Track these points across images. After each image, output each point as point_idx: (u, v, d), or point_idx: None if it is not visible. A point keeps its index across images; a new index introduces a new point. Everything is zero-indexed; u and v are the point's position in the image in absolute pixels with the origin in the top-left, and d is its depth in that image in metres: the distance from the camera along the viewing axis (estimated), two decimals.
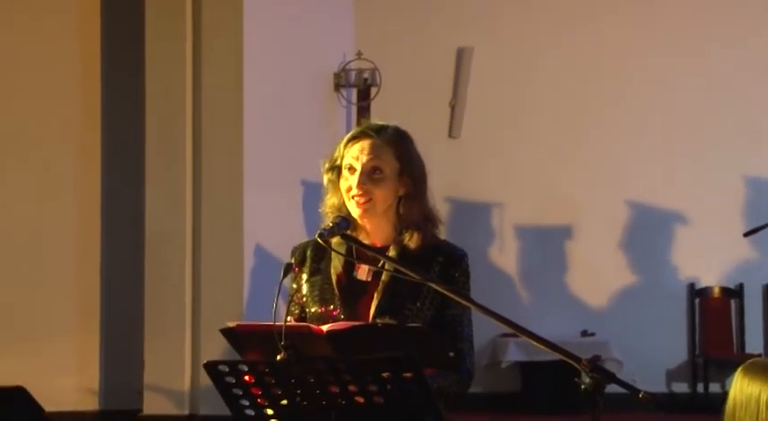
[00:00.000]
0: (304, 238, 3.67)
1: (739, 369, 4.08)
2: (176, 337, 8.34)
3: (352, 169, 3.44)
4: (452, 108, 9.88)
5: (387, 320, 3.37)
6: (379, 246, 3.48)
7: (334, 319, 3.37)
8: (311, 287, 3.48)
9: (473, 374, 3.47)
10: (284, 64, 8.56)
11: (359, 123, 8.92)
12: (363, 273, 3.48)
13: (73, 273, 8.93)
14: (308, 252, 3.53)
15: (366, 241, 3.47)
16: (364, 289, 3.46)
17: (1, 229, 8.88)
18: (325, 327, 3.14)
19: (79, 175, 9.00)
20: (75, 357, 8.87)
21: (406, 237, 3.47)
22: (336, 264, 3.48)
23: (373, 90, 9.00)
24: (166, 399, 8.36)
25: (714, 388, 9.38)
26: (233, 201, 8.34)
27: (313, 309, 3.46)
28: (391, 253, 3.45)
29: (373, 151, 3.44)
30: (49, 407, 3.23)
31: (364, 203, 3.43)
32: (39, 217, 8.90)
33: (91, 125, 9.00)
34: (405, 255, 3.44)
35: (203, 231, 8.37)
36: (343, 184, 3.46)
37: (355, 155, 3.44)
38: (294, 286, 3.52)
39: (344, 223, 3.39)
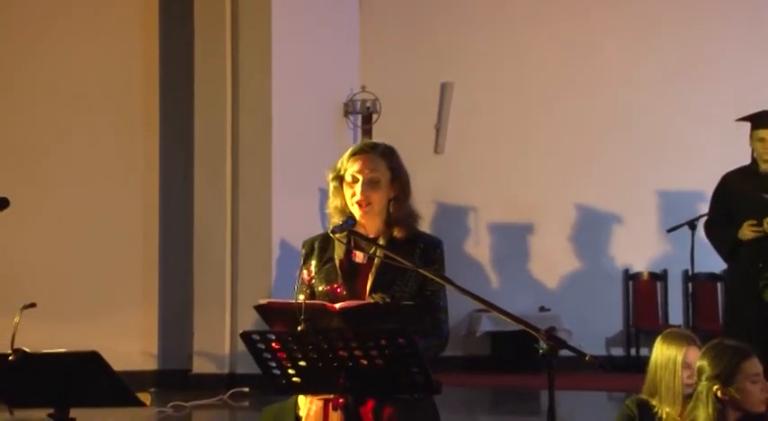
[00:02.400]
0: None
1: (659, 337, 4.03)
2: (218, 311, 8.34)
3: (355, 180, 3.43)
4: (437, 130, 9.86)
5: (380, 295, 3.37)
6: (371, 237, 3.47)
7: (338, 295, 3.37)
8: (319, 271, 3.47)
9: (448, 338, 3.47)
10: (304, 95, 8.55)
11: None
12: (360, 257, 3.47)
13: (137, 258, 8.91)
14: (316, 244, 3.52)
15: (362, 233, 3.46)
16: (361, 270, 3.45)
17: (80, 223, 8.85)
18: (337, 305, 3.13)
19: (142, 183, 8.98)
20: (138, 326, 8.84)
21: (395, 230, 3.46)
22: (339, 252, 3.47)
23: (374, 116, 8.97)
24: (211, 361, 8.35)
25: (644, 352, 9.34)
26: (263, 203, 8.34)
27: (320, 288, 3.44)
28: (381, 242, 3.44)
29: (371, 165, 3.42)
30: (116, 367, 3.20)
31: (366, 207, 3.43)
32: (110, 213, 8.87)
33: (151, 145, 8.99)
34: (393, 243, 3.43)
35: (240, 227, 8.37)
36: (347, 192, 3.44)
37: (357, 169, 3.42)
38: (305, 272, 3.50)
39: (352, 221, 3.39)
